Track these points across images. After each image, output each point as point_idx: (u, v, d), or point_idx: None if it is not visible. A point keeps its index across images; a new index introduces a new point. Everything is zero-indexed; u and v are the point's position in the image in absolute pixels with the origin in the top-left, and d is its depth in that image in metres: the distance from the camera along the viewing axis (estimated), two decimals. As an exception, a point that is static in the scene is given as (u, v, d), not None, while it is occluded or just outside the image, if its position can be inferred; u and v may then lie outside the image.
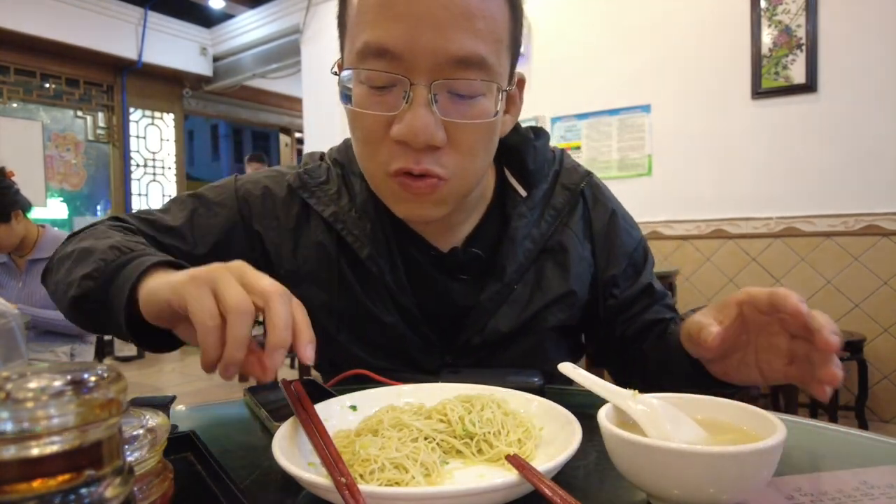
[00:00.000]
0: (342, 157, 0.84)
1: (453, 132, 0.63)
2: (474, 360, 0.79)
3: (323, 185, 0.81)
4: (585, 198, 0.84)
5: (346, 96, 0.67)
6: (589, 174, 0.85)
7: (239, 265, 0.48)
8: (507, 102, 0.70)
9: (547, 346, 0.82)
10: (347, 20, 0.66)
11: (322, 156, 0.87)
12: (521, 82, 0.74)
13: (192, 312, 0.45)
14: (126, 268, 0.59)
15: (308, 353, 0.45)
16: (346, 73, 0.66)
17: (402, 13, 0.58)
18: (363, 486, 0.41)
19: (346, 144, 0.85)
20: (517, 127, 0.80)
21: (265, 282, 0.46)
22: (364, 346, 0.80)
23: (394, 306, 0.78)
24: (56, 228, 2.44)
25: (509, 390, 0.59)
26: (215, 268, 0.48)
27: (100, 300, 0.61)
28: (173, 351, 0.63)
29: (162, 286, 0.51)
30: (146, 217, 0.80)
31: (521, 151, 0.79)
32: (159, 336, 0.58)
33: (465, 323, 0.78)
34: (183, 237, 0.78)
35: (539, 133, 0.83)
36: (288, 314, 0.45)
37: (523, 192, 0.80)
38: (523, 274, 0.79)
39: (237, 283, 0.46)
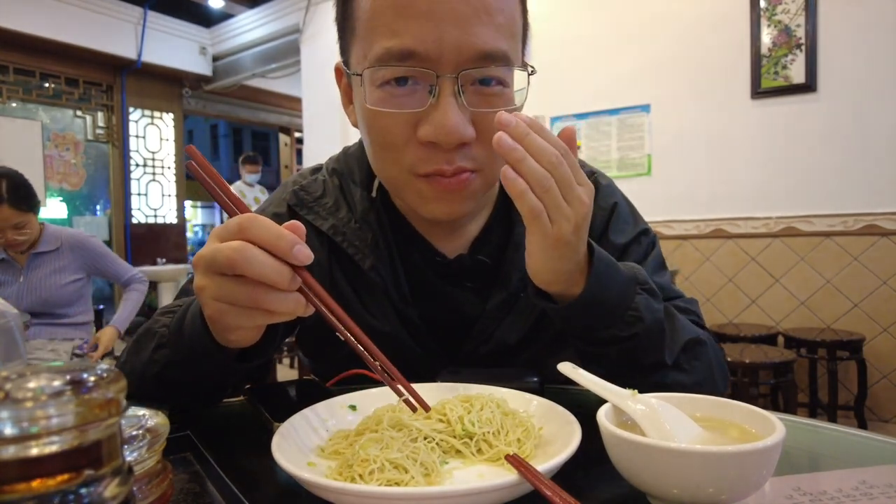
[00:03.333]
0: (340, 167, 0.82)
1: (481, 123, 0.62)
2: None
3: (320, 199, 0.79)
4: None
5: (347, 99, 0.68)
6: (592, 172, 0.83)
7: (208, 243, 0.50)
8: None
9: (552, 355, 0.80)
10: (356, 23, 0.64)
11: (316, 169, 0.86)
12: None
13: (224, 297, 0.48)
14: (185, 318, 0.60)
15: (303, 252, 0.47)
16: (358, 77, 0.64)
17: (424, 12, 0.58)
18: (363, 487, 0.41)
19: (345, 153, 0.84)
20: None
21: (230, 224, 0.48)
22: (362, 363, 0.78)
23: (396, 317, 0.76)
24: (55, 225, 2.47)
25: (509, 390, 0.59)
26: (199, 255, 0.50)
27: (181, 357, 0.60)
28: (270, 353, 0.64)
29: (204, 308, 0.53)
30: (177, 297, 0.79)
31: None
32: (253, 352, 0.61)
33: (470, 333, 0.77)
34: None
35: None
36: (269, 226, 0.47)
37: None
38: (528, 282, 0.77)
39: (214, 248, 0.48)
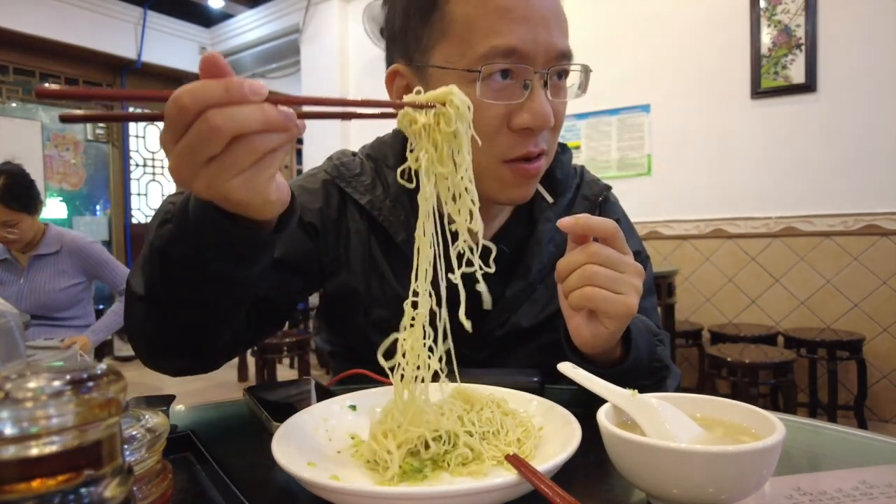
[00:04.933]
0: (375, 153, 0.89)
1: (554, 112, 0.73)
2: (491, 353, 0.83)
3: (358, 176, 0.86)
4: (601, 208, 0.91)
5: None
6: (609, 188, 0.93)
7: (164, 149, 0.46)
8: None
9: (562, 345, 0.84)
10: (448, 25, 0.71)
11: (354, 153, 0.93)
12: None
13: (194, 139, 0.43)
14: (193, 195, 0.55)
15: (257, 86, 0.43)
16: (453, 72, 0.70)
17: (522, 17, 0.68)
18: (363, 487, 0.41)
19: (379, 141, 0.91)
20: None
21: (174, 113, 0.43)
22: (386, 331, 0.82)
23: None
24: (59, 227, 2.46)
25: (509, 390, 0.59)
26: (172, 169, 0.46)
27: (185, 232, 0.56)
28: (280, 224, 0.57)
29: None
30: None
31: (551, 162, 0.85)
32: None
33: (487, 316, 0.82)
34: None
35: (564, 148, 0.91)
36: (214, 84, 0.42)
37: (550, 199, 0.87)
38: (546, 276, 0.83)
39: (189, 143, 0.43)
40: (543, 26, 0.69)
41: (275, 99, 0.43)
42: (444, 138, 0.50)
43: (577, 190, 0.90)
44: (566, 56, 0.72)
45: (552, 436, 0.51)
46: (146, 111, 0.46)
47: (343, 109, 0.48)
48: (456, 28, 0.70)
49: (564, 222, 0.62)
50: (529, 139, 0.72)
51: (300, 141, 7.26)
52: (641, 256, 0.89)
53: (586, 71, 0.76)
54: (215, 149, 0.42)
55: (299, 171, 6.98)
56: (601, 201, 0.91)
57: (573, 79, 0.77)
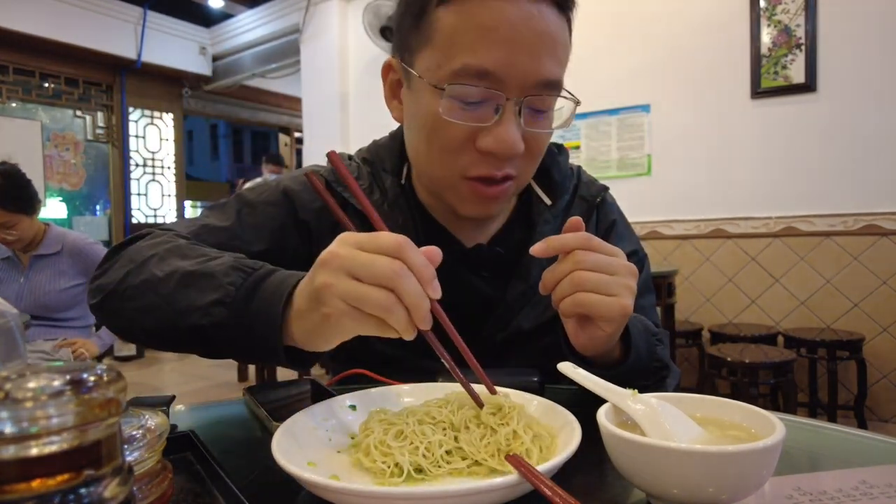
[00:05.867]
0: (371, 156, 0.88)
1: (529, 140, 0.70)
2: (492, 356, 0.82)
3: (355, 180, 0.84)
4: (598, 210, 0.91)
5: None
6: (606, 189, 0.92)
7: (343, 246, 0.51)
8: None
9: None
10: (432, 33, 0.68)
11: (350, 157, 0.91)
12: None
13: (364, 304, 0.47)
14: (260, 289, 0.57)
15: (438, 288, 0.50)
16: (423, 81, 0.69)
17: (504, 38, 0.64)
18: (363, 487, 0.41)
19: (375, 144, 0.90)
20: None
21: (384, 239, 0.49)
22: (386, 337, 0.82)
23: None
24: (60, 228, 2.45)
25: (508, 390, 0.59)
26: (334, 255, 0.50)
27: (237, 326, 0.57)
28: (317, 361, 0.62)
29: (305, 300, 0.53)
30: (194, 222, 0.80)
31: (547, 164, 0.85)
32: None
33: (487, 320, 0.82)
34: (236, 236, 0.79)
35: (561, 149, 0.90)
36: (419, 252, 0.49)
37: (548, 201, 0.86)
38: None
39: (366, 256, 0.48)
40: (527, 51, 0.65)
41: (435, 307, 0.50)
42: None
43: (575, 191, 0.89)
44: (550, 85, 0.68)
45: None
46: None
47: (452, 370, 0.54)
48: (439, 38, 0.68)
49: (536, 249, 0.62)
50: (492, 162, 0.69)
51: (299, 141, 7.27)
52: (638, 256, 0.89)
53: (575, 102, 0.73)
54: (366, 277, 0.47)
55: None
56: (598, 202, 0.90)
57: (563, 103, 0.73)
